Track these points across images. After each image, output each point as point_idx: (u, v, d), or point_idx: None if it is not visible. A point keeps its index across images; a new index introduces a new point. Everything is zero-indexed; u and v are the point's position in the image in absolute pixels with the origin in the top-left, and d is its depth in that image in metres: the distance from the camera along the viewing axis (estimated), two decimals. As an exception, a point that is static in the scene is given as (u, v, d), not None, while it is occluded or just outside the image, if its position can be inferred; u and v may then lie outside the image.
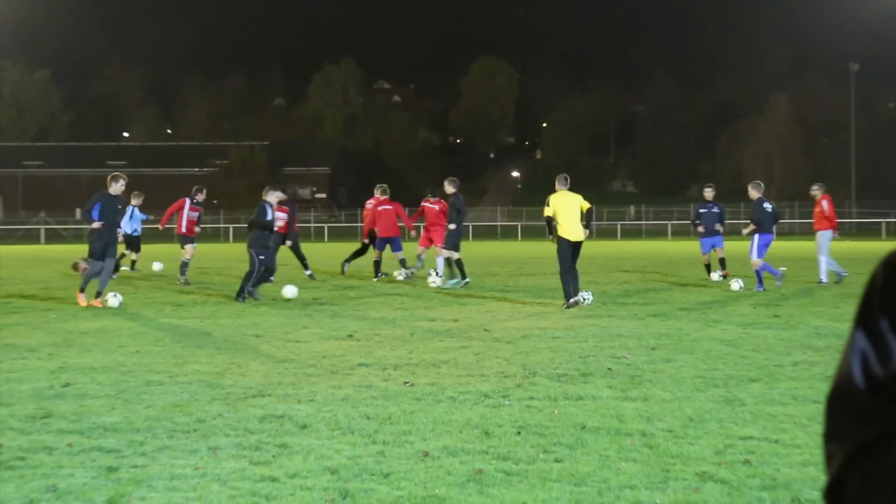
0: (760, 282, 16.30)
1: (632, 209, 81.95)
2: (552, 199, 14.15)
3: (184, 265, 19.30)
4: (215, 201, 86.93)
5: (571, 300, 13.68)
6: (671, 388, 7.27)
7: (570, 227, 13.94)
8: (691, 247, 44.83)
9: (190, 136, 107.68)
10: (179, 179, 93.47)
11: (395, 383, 7.56)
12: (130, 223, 21.21)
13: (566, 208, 14.01)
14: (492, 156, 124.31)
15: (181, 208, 19.51)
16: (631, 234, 67.08)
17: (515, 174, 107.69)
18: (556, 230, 14.00)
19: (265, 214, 15.11)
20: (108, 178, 14.48)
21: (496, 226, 71.24)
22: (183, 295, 16.27)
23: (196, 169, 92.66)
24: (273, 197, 15.55)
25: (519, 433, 5.85)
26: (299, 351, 9.41)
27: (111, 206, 14.17)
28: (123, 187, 14.42)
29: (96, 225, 14.02)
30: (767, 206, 16.54)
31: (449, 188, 17.57)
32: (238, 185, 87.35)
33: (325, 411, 6.49)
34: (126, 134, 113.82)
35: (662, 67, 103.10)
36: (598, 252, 36.52)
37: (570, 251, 13.99)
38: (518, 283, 18.25)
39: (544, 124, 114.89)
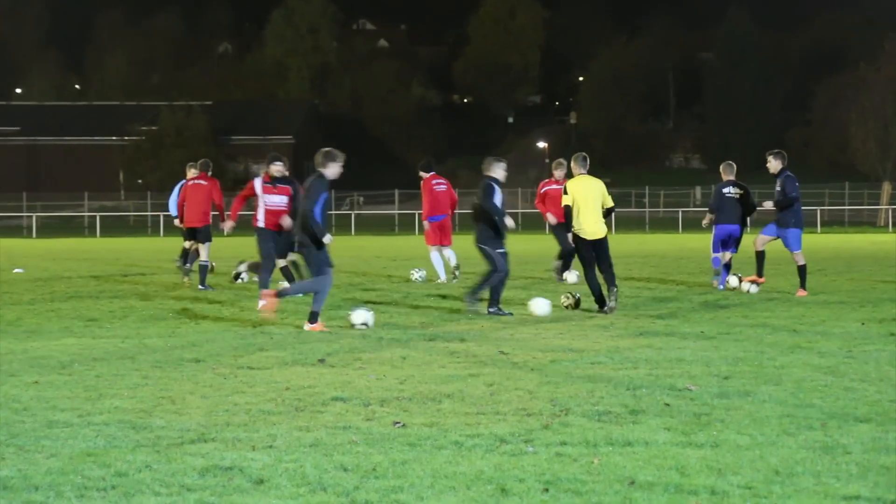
0: (719, 277, 18.22)
1: (697, 191, 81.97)
2: (570, 185, 15.12)
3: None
4: (140, 181, 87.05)
5: (606, 306, 14.70)
6: (750, 430, 7.29)
7: (589, 221, 14.89)
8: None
9: (106, 94, 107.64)
10: (92, 151, 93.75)
11: (382, 424, 7.58)
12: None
13: (585, 197, 14.91)
14: (510, 120, 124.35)
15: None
16: (696, 224, 66.88)
17: (542, 144, 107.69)
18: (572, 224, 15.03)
19: (494, 198, 14.73)
20: (320, 155, 13.33)
21: (516, 213, 71.27)
22: (97, 307, 16.30)
23: (114, 137, 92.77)
24: (500, 171, 14.99)
25: (546, 490, 5.87)
26: (253, 381, 9.44)
27: (328, 196, 13.32)
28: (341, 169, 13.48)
29: (328, 239, 13.01)
30: (729, 190, 17.95)
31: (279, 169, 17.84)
32: (170, 158, 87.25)
33: (289, 461, 6.52)
34: (19, 90, 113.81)
35: (740, 1, 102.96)
36: (652, 249, 36.53)
37: (590, 251, 14.98)
38: (546, 291, 18.27)
39: (580, 78, 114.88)
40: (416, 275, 20.69)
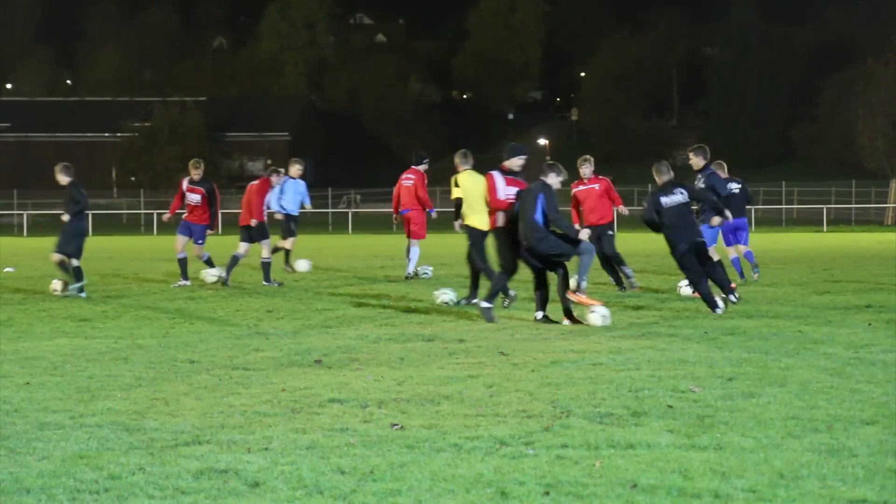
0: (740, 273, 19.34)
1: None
2: (460, 178, 15.76)
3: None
4: (133, 179, 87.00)
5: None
6: (754, 432, 7.30)
7: (482, 213, 15.16)
8: (785, 240, 44.68)
9: (97, 90, 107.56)
10: (84, 148, 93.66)
11: (380, 425, 7.60)
12: (284, 199, 22.10)
13: (476, 192, 15.23)
14: (510, 116, 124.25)
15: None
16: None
17: (543, 142, 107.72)
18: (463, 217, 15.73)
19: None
20: (546, 165, 14.24)
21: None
22: (89, 307, 16.32)
23: (107, 134, 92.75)
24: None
25: (547, 493, 5.88)
26: (249, 382, 9.46)
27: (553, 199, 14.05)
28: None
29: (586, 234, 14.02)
30: (730, 186, 18.55)
31: (63, 178, 18.47)
32: (164, 155, 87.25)
33: (285, 464, 6.53)
34: (9, 85, 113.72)
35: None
36: (654, 248, 36.48)
37: (483, 242, 15.55)
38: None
39: (582, 74, 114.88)
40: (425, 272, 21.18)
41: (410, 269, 20.69)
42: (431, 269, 21.35)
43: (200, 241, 20.03)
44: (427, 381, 9.42)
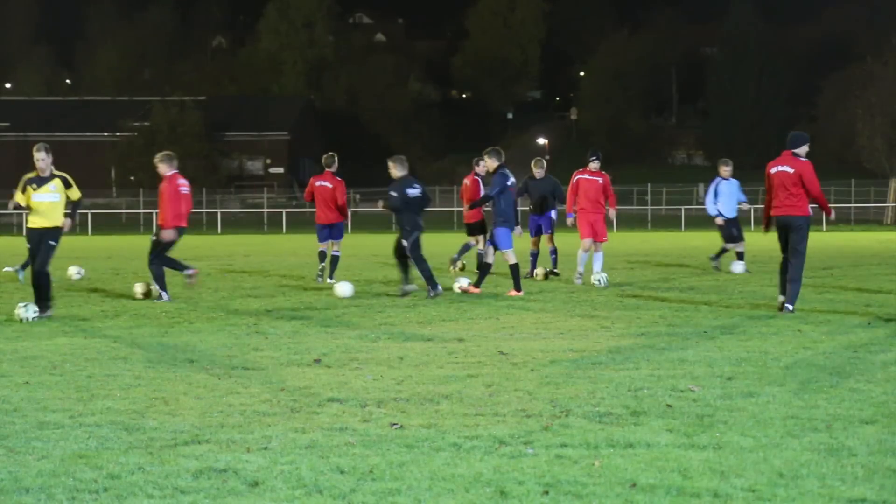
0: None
1: (700, 189, 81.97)
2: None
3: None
4: (132, 178, 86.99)
5: None
6: (753, 432, 7.31)
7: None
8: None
9: (96, 89, 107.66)
10: (83, 147, 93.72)
11: (379, 425, 7.60)
12: (720, 202, 22.02)
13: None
14: (510, 116, 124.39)
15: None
16: (699, 222, 67.07)
17: (542, 141, 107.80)
18: None
19: None
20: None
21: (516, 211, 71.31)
22: (89, 306, 16.33)
23: (105, 133, 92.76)
24: None
25: (546, 493, 5.89)
26: (248, 381, 9.46)
27: None
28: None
29: None
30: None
31: None
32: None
33: (284, 463, 6.54)
34: (8, 85, 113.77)
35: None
36: (654, 248, 36.53)
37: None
38: (545, 290, 18.31)
39: (581, 73, 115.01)
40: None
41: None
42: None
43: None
44: (426, 380, 9.42)
